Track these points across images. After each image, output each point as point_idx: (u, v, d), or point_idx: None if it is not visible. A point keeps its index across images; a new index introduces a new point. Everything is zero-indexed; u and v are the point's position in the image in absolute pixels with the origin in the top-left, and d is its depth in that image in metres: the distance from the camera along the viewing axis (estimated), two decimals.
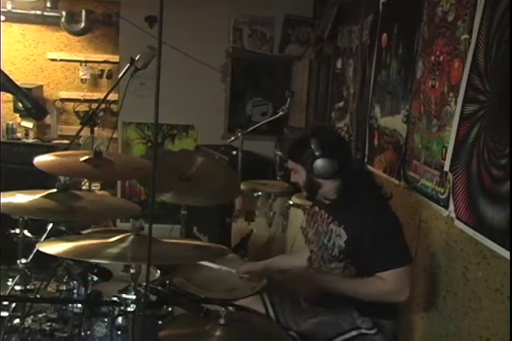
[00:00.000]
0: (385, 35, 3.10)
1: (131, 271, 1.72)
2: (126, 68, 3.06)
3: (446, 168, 2.22)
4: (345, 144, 2.47)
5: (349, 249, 2.16)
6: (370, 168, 3.25)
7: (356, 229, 2.13)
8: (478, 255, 1.99)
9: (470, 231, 2.01)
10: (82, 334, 1.98)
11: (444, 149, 2.27)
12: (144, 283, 1.66)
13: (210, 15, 4.82)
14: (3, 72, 1.83)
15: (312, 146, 2.15)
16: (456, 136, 2.15)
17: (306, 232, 2.41)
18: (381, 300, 2.13)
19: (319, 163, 2.14)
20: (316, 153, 2.14)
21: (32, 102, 1.88)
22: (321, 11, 4.67)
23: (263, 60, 5.01)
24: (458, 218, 2.12)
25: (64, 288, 2.24)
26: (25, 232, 2.37)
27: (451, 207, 2.17)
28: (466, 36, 2.13)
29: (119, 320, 1.84)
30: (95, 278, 2.12)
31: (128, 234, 1.74)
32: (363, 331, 2.14)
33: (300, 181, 2.27)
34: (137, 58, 3.04)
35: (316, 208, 2.36)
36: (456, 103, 2.17)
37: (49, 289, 2.50)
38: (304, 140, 2.20)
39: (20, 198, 2.13)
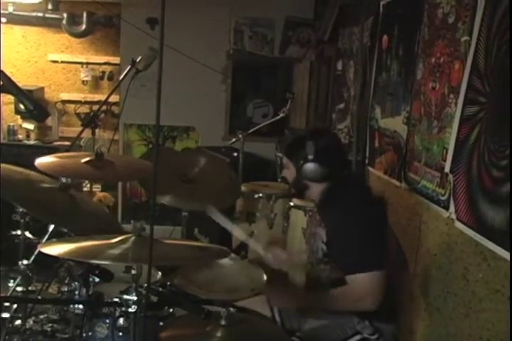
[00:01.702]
0: (385, 37, 3.10)
1: (133, 272, 1.72)
2: (127, 70, 3.07)
3: (447, 170, 2.22)
4: (341, 150, 2.39)
5: (329, 252, 2.15)
6: (370, 169, 3.26)
7: (333, 231, 2.13)
8: (478, 256, 1.99)
9: (470, 233, 2.01)
10: (84, 335, 1.99)
11: (444, 150, 2.27)
12: (145, 284, 1.66)
13: (210, 17, 4.83)
14: (4, 73, 1.83)
15: (307, 149, 2.15)
16: (457, 138, 2.15)
17: (306, 233, 2.42)
18: (348, 307, 2.07)
19: (309, 166, 2.16)
20: (309, 157, 2.15)
21: (33, 104, 1.88)
22: (321, 12, 4.67)
23: (264, 61, 5.02)
24: (458, 219, 2.11)
25: (65, 289, 2.24)
26: (27, 233, 2.38)
27: (452, 208, 2.16)
28: (466, 38, 2.13)
29: (121, 320, 1.86)
30: (96, 279, 2.12)
31: (129, 235, 1.75)
32: (365, 335, 2.14)
33: (289, 178, 2.30)
34: (138, 60, 3.04)
35: (315, 209, 2.36)
36: (456, 104, 2.18)
37: (50, 290, 2.50)
38: (301, 140, 2.21)
39: None
